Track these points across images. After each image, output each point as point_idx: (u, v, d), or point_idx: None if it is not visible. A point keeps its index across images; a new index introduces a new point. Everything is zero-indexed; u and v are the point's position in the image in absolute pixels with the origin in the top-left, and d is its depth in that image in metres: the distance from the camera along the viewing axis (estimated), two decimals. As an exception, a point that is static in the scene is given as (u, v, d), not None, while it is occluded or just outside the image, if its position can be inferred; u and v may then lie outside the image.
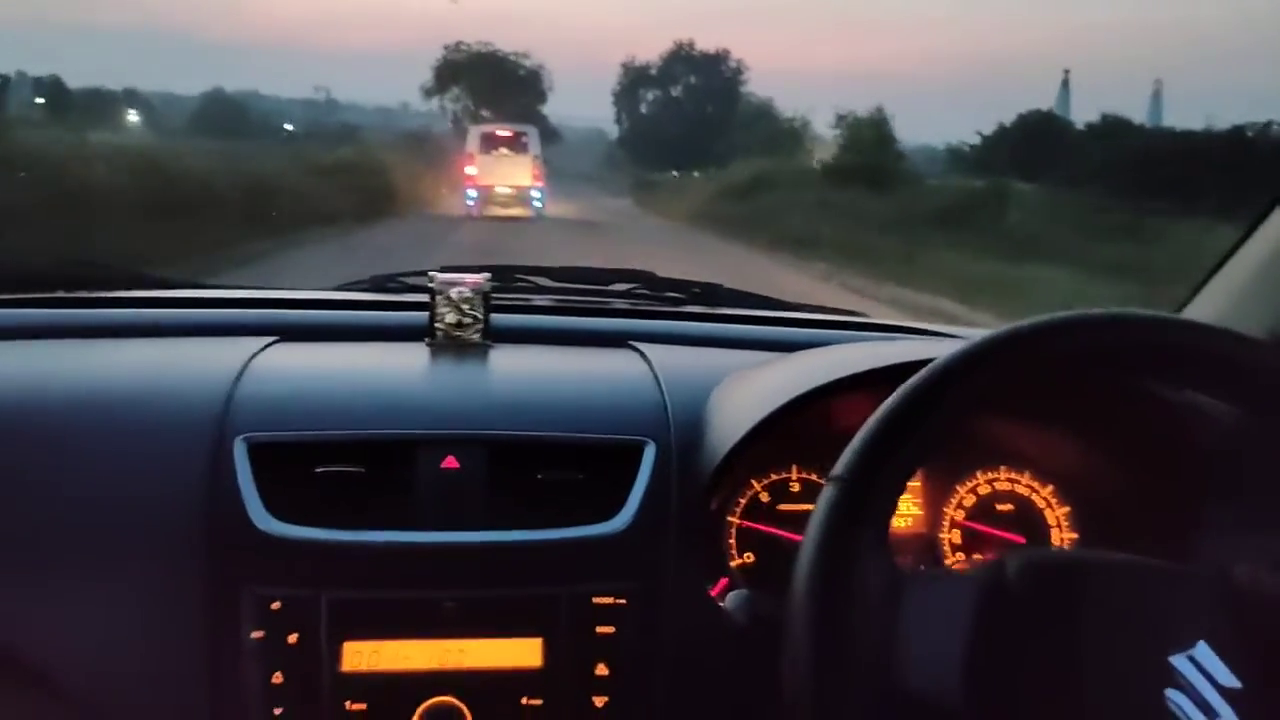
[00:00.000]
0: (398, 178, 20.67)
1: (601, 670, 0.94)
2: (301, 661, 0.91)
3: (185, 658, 0.91)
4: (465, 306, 1.17)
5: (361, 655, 0.92)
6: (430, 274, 1.21)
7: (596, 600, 0.95)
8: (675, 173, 49.92)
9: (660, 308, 1.43)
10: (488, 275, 1.21)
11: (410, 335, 1.20)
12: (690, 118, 50.97)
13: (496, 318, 1.21)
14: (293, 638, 0.91)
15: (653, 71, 52.11)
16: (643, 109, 53.32)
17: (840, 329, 1.38)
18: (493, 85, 45.77)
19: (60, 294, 1.30)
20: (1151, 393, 0.88)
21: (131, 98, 43.53)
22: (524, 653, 0.94)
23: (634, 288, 1.46)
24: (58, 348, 1.15)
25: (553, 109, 52.14)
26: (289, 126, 48.26)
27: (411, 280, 1.37)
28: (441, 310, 1.17)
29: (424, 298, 1.20)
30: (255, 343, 1.14)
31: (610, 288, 1.47)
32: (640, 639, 0.95)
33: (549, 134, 54.18)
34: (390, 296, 1.37)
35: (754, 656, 0.83)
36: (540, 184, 19.89)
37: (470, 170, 19.68)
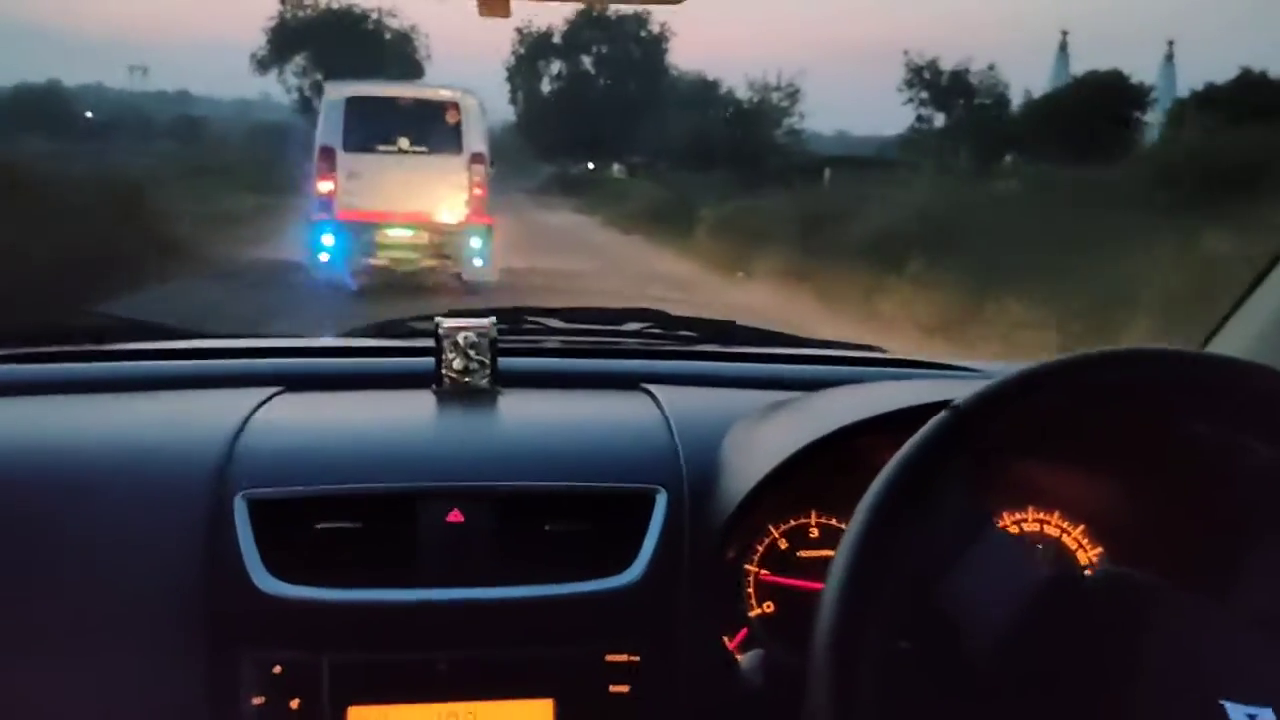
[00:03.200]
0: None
1: None
2: None
3: None
4: (472, 352, 1.18)
5: None
6: (436, 319, 1.20)
7: (609, 658, 0.95)
8: (590, 165, 42.74)
9: (672, 347, 1.45)
10: (494, 319, 1.21)
11: (417, 382, 1.21)
12: (608, 96, 43.00)
13: (504, 361, 1.21)
14: (294, 703, 0.92)
15: (556, 39, 43.88)
16: (545, 86, 45.08)
17: (857, 365, 1.40)
18: (349, 52, 35.37)
19: (59, 348, 1.32)
20: (1184, 430, 0.87)
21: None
22: (534, 716, 0.94)
23: (645, 327, 1.48)
24: (57, 404, 1.16)
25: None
26: (90, 115, 43.67)
27: (418, 325, 1.37)
28: (449, 356, 1.18)
29: (430, 343, 1.20)
30: (259, 394, 1.14)
31: (621, 327, 1.47)
32: (656, 698, 0.95)
33: None
34: (396, 342, 1.39)
35: (773, 715, 0.85)
36: (486, 220, 9.44)
37: (325, 186, 9.12)
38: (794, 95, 38.86)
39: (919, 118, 31.95)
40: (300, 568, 0.94)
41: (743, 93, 39.81)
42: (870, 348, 1.53)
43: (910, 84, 31.36)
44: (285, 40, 37.39)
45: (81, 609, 0.93)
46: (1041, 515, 1.07)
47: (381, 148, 9.24)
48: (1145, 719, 0.69)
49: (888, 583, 0.69)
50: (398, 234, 9.23)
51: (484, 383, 1.18)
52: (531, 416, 1.17)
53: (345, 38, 36.53)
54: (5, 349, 1.29)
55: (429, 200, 9.20)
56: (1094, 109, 25.51)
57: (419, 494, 0.99)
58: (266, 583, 0.92)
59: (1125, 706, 0.69)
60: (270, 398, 1.14)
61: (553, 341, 1.41)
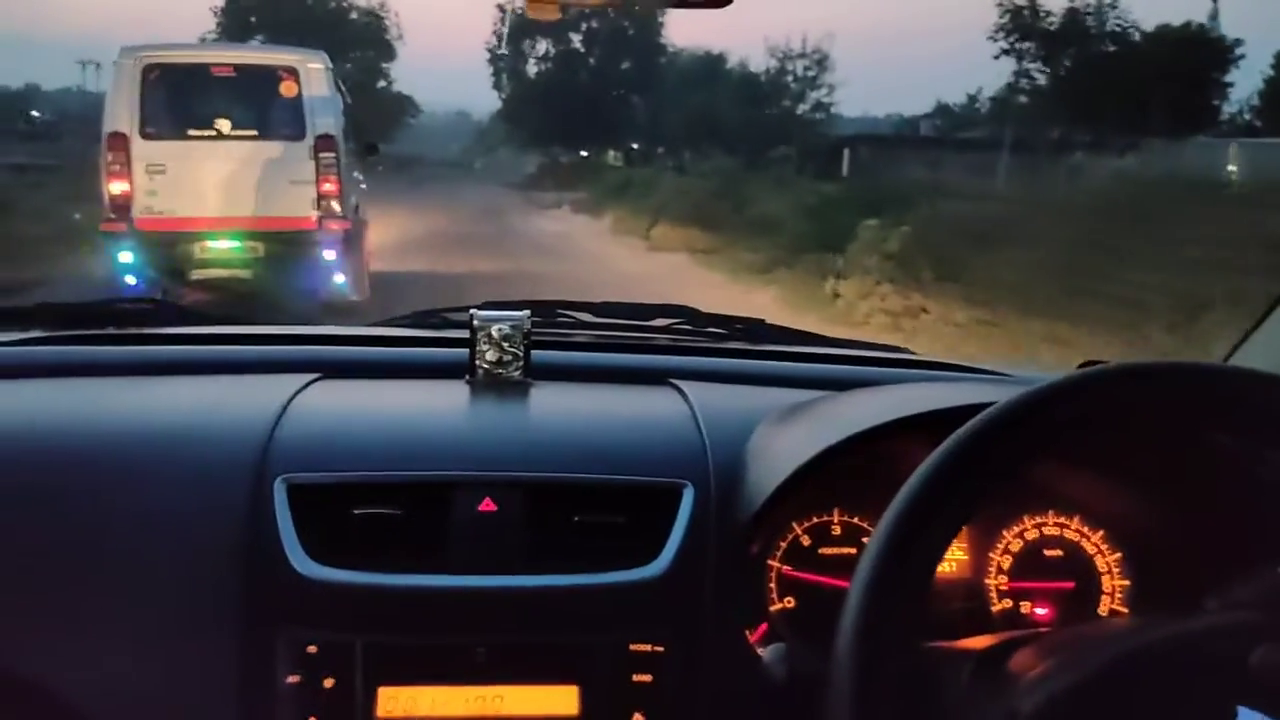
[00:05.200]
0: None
1: (638, 719, 1.00)
2: (336, 706, 0.98)
3: (219, 699, 0.98)
4: (506, 344, 1.25)
5: (397, 701, 0.99)
6: (471, 310, 1.28)
7: (634, 647, 1.01)
8: (584, 154, 41.53)
9: (701, 344, 1.53)
10: (528, 312, 1.28)
11: (451, 373, 1.28)
12: (600, 76, 41.76)
13: (537, 354, 1.27)
14: (328, 682, 0.98)
15: (543, 15, 41.79)
16: (531, 68, 43.79)
17: (885, 366, 1.47)
18: (310, 33, 33.74)
19: (105, 331, 1.43)
20: (1204, 440, 0.93)
21: None
22: (560, 700, 1.00)
23: (675, 323, 1.55)
24: (102, 385, 1.25)
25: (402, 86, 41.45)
26: (36, 114, 44.70)
27: (453, 316, 1.46)
28: (482, 348, 1.25)
29: (464, 334, 1.27)
30: (297, 380, 1.22)
31: (651, 323, 1.55)
32: (678, 688, 1.01)
33: (399, 106, 43.36)
34: (431, 333, 1.48)
35: (793, 709, 0.92)
36: (341, 225, 7.58)
37: (118, 186, 7.30)
38: (822, 63, 35.98)
39: (1017, 74, 25.93)
40: (337, 552, 1.00)
41: (758, 63, 38.08)
42: (896, 349, 1.65)
43: (1008, 31, 25.12)
44: (236, 21, 35.62)
45: (121, 584, 0.99)
46: (1062, 519, 1.15)
47: (194, 133, 7.43)
48: None
49: (914, 582, 0.75)
50: (221, 246, 7.47)
51: (516, 375, 1.25)
52: (563, 410, 1.24)
53: (305, 17, 35.04)
54: (51, 330, 1.40)
55: (261, 201, 7.42)
56: (1168, 71, 22.68)
57: (454, 483, 1.05)
58: (304, 565, 0.98)
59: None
60: (308, 384, 1.21)
61: (583, 336, 1.50)
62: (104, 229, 7.24)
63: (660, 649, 1.01)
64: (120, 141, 7.14)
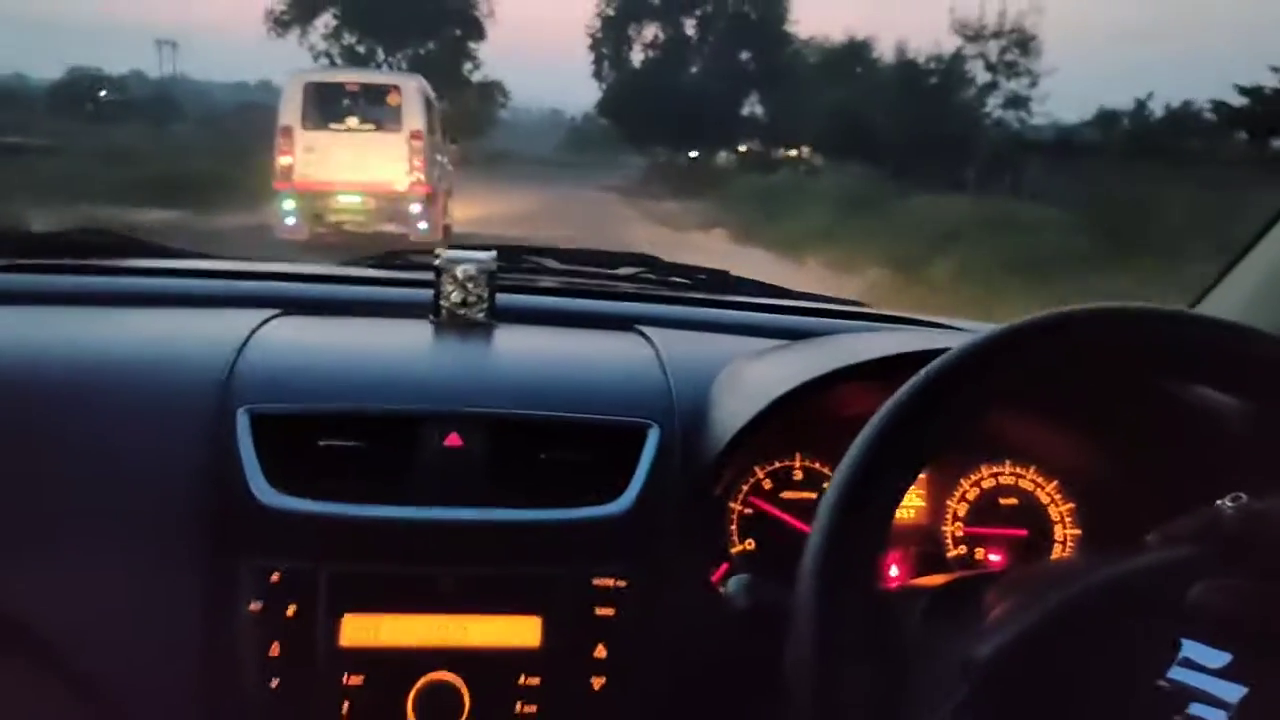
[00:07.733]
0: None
1: (600, 652, 1.19)
2: (300, 634, 1.14)
3: (182, 627, 1.15)
4: (470, 285, 1.47)
5: (360, 630, 1.16)
6: (436, 251, 1.51)
7: (597, 582, 1.19)
8: (694, 154, 43.66)
9: (666, 292, 1.80)
10: (494, 254, 1.50)
11: (414, 312, 1.50)
12: (714, 67, 43.62)
13: (501, 297, 1.50)
14: (291, 610, 1.14)
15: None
16: (637, 56, 45.89)
17: (847, 318, 1.77)
18: (392, 11, 37.31)
19: (65, 261, 1.63)
20: (1159, 388, 1.08)
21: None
22: (523, 632, 1.18)
23: (640, 271, 1.85)
24: (62, 315, 1.46)
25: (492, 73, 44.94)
26: (104, 94, 49.71)
27: (417, 257, 1.74)
28: (447, 288, 1.47)
29: (429, 275, 1.49)
30: (258, 315, 1.42)
31: (616, 271, 1.84)
32: (640, 622, 1.20)
33: (490, 94, 45.74)
34: (395, 273, 1.74)
35: (753, 642, 1.04)
36: (424, 190, 14.16)
37: (285, 160, 13.86)
38: (1025, 45, 31.24)
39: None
40: (300, 482, 1.17)
41: (920, 48, 34.11)
42: (858, 303, 1.96)
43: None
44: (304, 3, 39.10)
45: (82, 515, 1.17)
46: (1018, 470, 1.40)
47: (334, 125, 13.97)
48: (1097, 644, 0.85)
49: (874, 522, 0.87)
50: (348, 200, 13.83)
51: (480, 316, 1.47)
52: (528, 350, 1.47)
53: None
54: (8, 259, 1.60)
55: (374, 171, 13.76)
56: None
57: (420, 416, 1.24)
58: (267, 494, 1.15)
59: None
60: (268, 319, 1.41)
61: (549, 280, 1.76)
62: (276, 187, 13.65)
63: (623, 584, 1.19)
64: (289, 131, 13.65)
